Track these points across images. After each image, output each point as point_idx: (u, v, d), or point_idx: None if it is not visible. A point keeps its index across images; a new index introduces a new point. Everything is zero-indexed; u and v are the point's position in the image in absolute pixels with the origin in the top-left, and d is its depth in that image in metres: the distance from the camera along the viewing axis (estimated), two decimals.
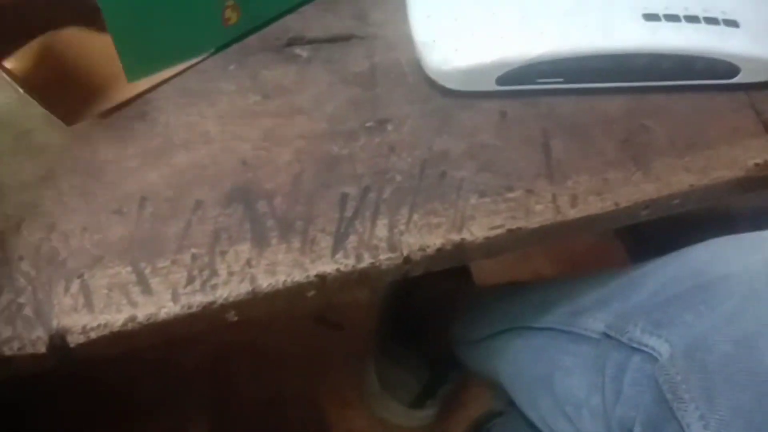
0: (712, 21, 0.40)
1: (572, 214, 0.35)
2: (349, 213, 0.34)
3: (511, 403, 0.63)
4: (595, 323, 0.45)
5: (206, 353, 0.85)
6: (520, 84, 0.39)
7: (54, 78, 0.38)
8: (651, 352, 0.38)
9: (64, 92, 0.37)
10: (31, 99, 0.36)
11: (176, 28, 0.37)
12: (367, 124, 0.38)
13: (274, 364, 0.86)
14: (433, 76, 0.39)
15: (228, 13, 0.38)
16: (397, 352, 0.82)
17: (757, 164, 0.38)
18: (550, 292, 0.53)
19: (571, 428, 0.47)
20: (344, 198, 0.35)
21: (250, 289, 0.31)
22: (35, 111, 0.37)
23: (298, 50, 0.40)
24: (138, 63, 0.37)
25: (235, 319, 0.32)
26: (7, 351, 0.29)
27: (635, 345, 0.40)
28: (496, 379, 0.59)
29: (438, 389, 0.80)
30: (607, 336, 0.43)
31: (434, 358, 0.79)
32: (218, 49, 0.40)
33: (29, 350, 0.29)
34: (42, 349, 0.30)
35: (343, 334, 0.89)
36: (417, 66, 0.39)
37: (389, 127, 0.38)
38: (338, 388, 0.86)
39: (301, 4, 0.42)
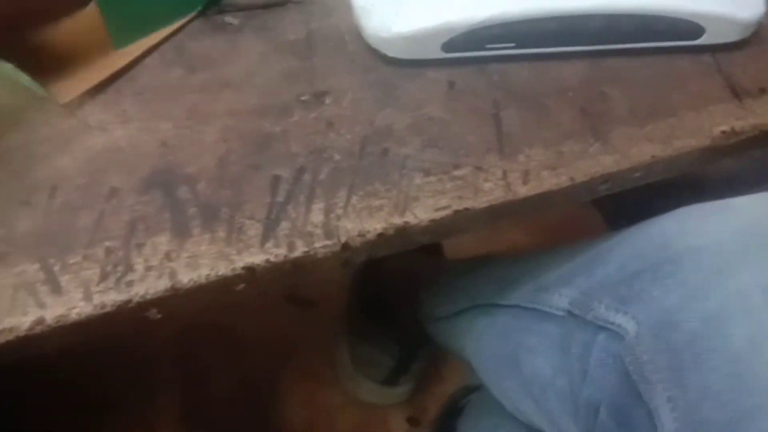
0: None
1: (524, 191, 0.32)
2: (281, 197, 0.31)
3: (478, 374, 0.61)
4: (560, 300, 0.42)
5: (173, 336, 0.83)
6: (468, 50, 0.36)
7: (46, 54, 0.35)
8: (617, 329, 0.36)
9: (57, 68, 0.34)
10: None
11: None
12: (303, 98, 0.35)
13: (244, 344, 0.84)
14: (374, 44, 0.36)
15: None
16: (368, 329, 0.80)
17: (723, 132, 0.35)
18: (516, 267, 0.51)
19: (537, 409, 0.45)
20: (276, 181, 0.32)
21: (169, 285, 0.29)
22: None
23: (229, 18, 0.37)
24: (124, 29, 0.34)
25: (159, 317, 0.30)
26: None
27: (600, 323, 0.38)
28: (463, 357, 0.57)
29: (410, 366, 0.78)
30: (571, 314, 0.41)
31: (405, 334, 0.77)
32: (204, 8, 0.37)
33: None
34: None
35: (315, 312, 0.87)
36: (357, 33, 0.36)
37: (327, 101, 0.35)
38: (312, 367, 0.84)
39: None
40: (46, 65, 0.34)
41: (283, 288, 0.86)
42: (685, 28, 0.37)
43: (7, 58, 0.32)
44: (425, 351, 0.79)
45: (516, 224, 0.95)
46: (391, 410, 0.82)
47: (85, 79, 0.33)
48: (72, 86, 0.33)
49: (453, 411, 0.78)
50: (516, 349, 0.46)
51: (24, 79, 0.32)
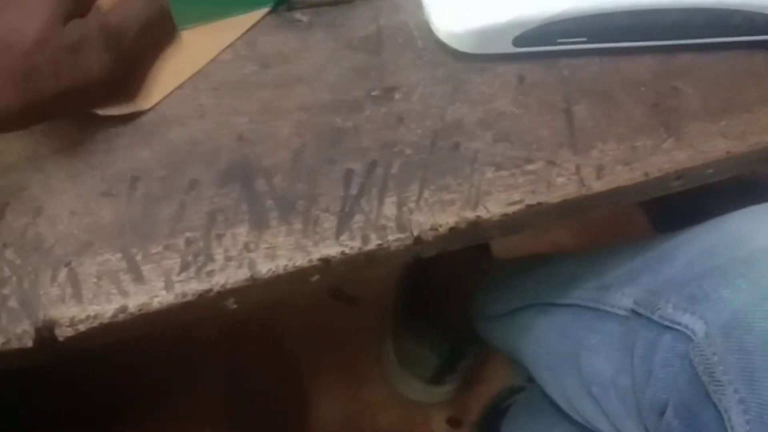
0: None
1: (598, 186, 0.32)
2: (354, 190, 0.32)
3: (531, 379, 0.61)
4: (623, 299, 0.42)
5: (218, 331, 0.84)
6: (539, 45, 0.35)
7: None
8: (684, 330, 0.36)
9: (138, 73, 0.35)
10: None
11: None
12: (373, 93, 0.35)
13: (288, 340, 0.85)
14: (444, 39, 0.36)
15: None
16: (414, 327, 0.80)
17: None
18: (574, 265, 0.51)
19: (596, 409, 0.45)
20: (349, 174, 0.32)
21: (248, 275, 0.29)
22: None
23: (298, 15, 0.38)
24: (188, 7, 0.35)
25: (235, 306, 0.30)
26: None
27: (667, 323, 0.37)
28: (517, 357, 0.57)
29: (457, 364, 0.78)
30: (635, 313, 0.40)
31: (453, 332, 0.77)
32: (276, 5, 0.37)
33: (15, 345, 0.28)
34: (29, 343, 0.28)
35: (359, 308, 0.87)
36: (426, 28, 0.36)
37: (397, 96, 0.35)
38: (354, 363, 0.85)
39: None
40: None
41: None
42: (760, 22, 0.36)
43: None
44: (473, 349, 0.78)
45: (560, 223, 0.94)
46: (432, 409, 0.82)
47: (164, 83, 0.34)
48: (153, 92, 0.34)
49: (497, 412, 0.78)
50: (576, 348, 0.46)
51: None
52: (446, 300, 0.77)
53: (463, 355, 0.78)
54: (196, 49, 0.35)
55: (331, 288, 0.87)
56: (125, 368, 0.76)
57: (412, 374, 0.79)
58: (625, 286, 0.42)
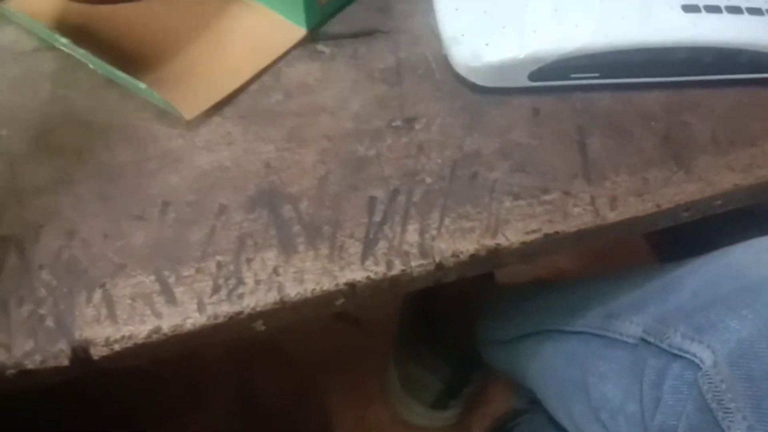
0: (755, 11, 0.38)
1: (612, 217, 0.33)
2: (378, 217, 0.33)
3: (534, 401, 0.61)
4: (632, 327, 0.43)
5: (225, 353, 0.84)
6: (553, 80, 0.37)
7: (172, 70, 0.37)
8: (692, 358, 0.37)
9: (181, 84, 0.37)
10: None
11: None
12: (394, 123, 0.36)
13: (294, 361, 0.85)
14: (462, 73, 0.37)
15: None
16: (418, 351, 0.80)
17: None
18: (582, 293, 0.52)
19: None
20: (372, 201, 0.33)
21: (278, 298, 0.30)
22: (55, 110, 0.36)
23: (320, 46, 0.39)
24: None
25: (263, 328, 0.31)
26: (29, 364, 0.28)
27: (675, 351, 0.38)
28: (524, 382, 0.58)
29: (461, 390, 0.79)
30: (644, 341, 0.41)
31: (457, 357, 0.78)
32: (312, 29, 0.39)
33: (52, 363, 0.28)
34: (65, 362, 0.29)
35: (363, 330, 0.87)
36: (445, 61, 0.38)
37: (417, 126, 0.36)
38: (360, 385, 0.85)
39: None
40: (169, 83, 0.36)
41: None
42: (765, 60, 0.38)
43: (138, 77, 0.34)
44: (477, 375, 0.79)
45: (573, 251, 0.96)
46: (437, 431, 0.82)
47: (205, 96, 0.36)
48: (195, 104, 0.35)
49: None
50: (584, 375, 0.47)
51: (154, 97, 0.35)
52: (450, 325, 0.78)
53: (467, 380, 0.79)
54: (233, 68, 0.37)
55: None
56: (135, 389, 0.77)
57: (416, 399, 0.80)
58: (633, 315, 0.43)
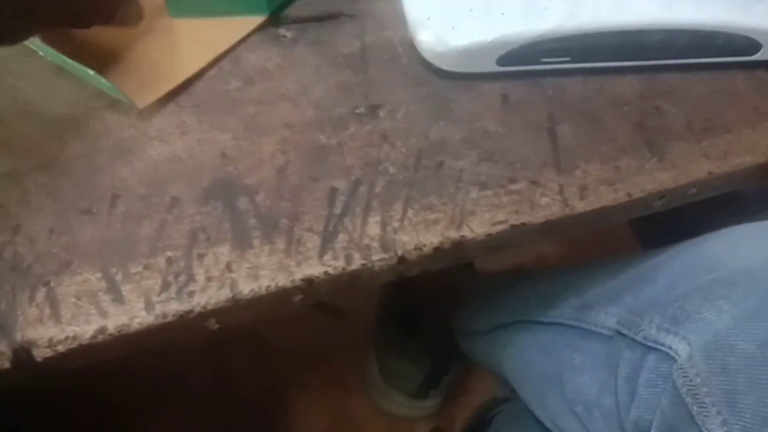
0: None
1: (581, 206, 0.32)
2: (338, 209, 0.31)
3: (515, 390, 0.61)
4: (606, 318, 0.42)
5: (203, 344, 0.83)
6: (523, 64, 0.36)
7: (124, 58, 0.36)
8: (668, 351, 0.36)
9: (134, 72, 0.35)
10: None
11: None
12: (358, 111, 0.35)
13: (273, 352, 0.84)
14: (429, 58, 0.36)
15: None
16: (397, 341, 0.79)
17: None
18: (557, 282, 0.51)
19: (580, 428, 0.45)
20: (333, 193, 0.32)
21: (230, 295, 0.29)
22: (2, 100, 0.34)
23: (282, 30, 0.37)
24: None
25: (216, 327, 0.30)
26: None
27: (650, 343, 0.37)
28: (501, 373, 0.57)
29: (441, 379, 0.78)
30: (619, 333, 0.40)
31: (436, 347, 0.77)
32: (274, 13, 0.37)
33: None
34: (6, 364, 0.27)
35: (344, 321, 0.87)
36: (411, 46, 0.36)
37: (381, 114, 0.35)
38: (340, 376, 0.84)
39: None
40: (120, 71, 0.34)
41: None
42: (742, 43, 0.37)
43: (89, 65, 0.33)
44: (456, 364, 0.78)
45: (543, 241, 0.95)
46: (417, 421, 0.82)
47: (159, 84, 0.34)
48: (148, 92, 0.34)
49: (481, 422, 0.77)
50: (559, 367, 0.46)
51: (104, 84, 0.33)
52: (429, 315, 0.77)
53: (447, 370, 0.78)
54: (189, 54, 0.35)
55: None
56: (110, 385, 0.75)
57: (396, 389, 0.79)
58: (607, 306, 0.42)
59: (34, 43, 0.35)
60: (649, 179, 0.33)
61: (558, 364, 0.46)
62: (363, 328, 0.84)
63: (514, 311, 0.53)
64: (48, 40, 0.35)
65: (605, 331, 0.42)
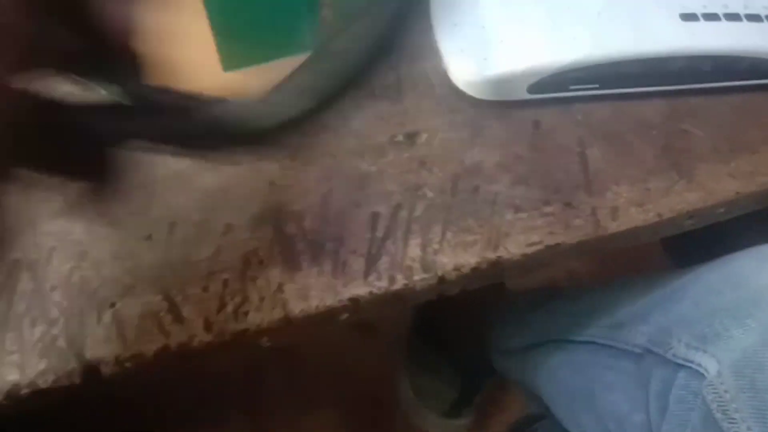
0: (754, 18, 0.38)
1: (613, 227, 0.34)
2: (380, 233, 0.33)
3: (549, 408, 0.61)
4: (637, 337, 0.43)
5: (239, 358, 0.85)
6: (552, 92, 0.37)
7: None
8: (697, 368, 0.37)
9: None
10: None
11: (275, 20, 0.36)
12: (396, 139, 0.37)
13: (307, 368, 0.86)
14: (463, 87, 0.38)
15: (325, 11, 0.38)
16: (430, 359, 0.81)
17: None
18: (588, 302, 0.52)
19: None
20: (375, 217, 0.34)
21: (282, 315, 0.31)
22: None
23: None
24: (235, 52, 0.36)
25: (268, 345, 0.32)
26: (42, 383, 0.29)
27: (680, 361, 0.38)
28: (535, 391, 0.58)
29: (473, 397, 0.79)
30: (649, 351, 0.41)
31: (468, 366, 0.78)
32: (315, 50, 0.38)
33: (64, 382, 0.29)
34: (77, 380, 0.29)
35: (377, 338, 0.88)
36: (445, 76, 0.38)
37: (419, 141, 0.37)
38: (373, 393, 0.86)
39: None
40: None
41: None
42: (764, 67, 0.38)
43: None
44: (489, 382, 0.79)
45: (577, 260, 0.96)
46: None
47: None
48: None
49: None
50: (592, 385, 0.47)
51: None
52: (460, 333, 0.78)
53: (479, 388, 0.79)
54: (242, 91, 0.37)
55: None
56: (149, 396, 0.78)
57: (428, 408, 0.80)
58: (638, 324, 0.44)
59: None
60: (678, 200, 0.34)
61: (590, 382, 0.47)
62: (395, 346, 0.85)
63: (548, 330, 0.54)
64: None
65: (636, 350, 0.43)
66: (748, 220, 0.43)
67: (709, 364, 0.36)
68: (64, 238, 0.33)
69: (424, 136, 0.37)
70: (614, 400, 0.44)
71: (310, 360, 0.86)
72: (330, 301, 0.31)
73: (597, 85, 0.38)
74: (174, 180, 0.35)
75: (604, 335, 0.46)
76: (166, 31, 0.40)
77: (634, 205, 0.34)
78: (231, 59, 0.37)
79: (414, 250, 0.33)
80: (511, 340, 0.62)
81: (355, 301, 0.31)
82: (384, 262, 0.32)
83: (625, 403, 0.43)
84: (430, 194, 0.35)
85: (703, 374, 0.36)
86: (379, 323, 0.88)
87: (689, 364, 0.37)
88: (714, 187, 0.35)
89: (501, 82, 0.37)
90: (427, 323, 0.82)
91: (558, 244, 0.33)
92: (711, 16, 0.38)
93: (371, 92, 0.39)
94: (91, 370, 0.29)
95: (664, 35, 0.37)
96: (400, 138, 0.37)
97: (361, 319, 0.83)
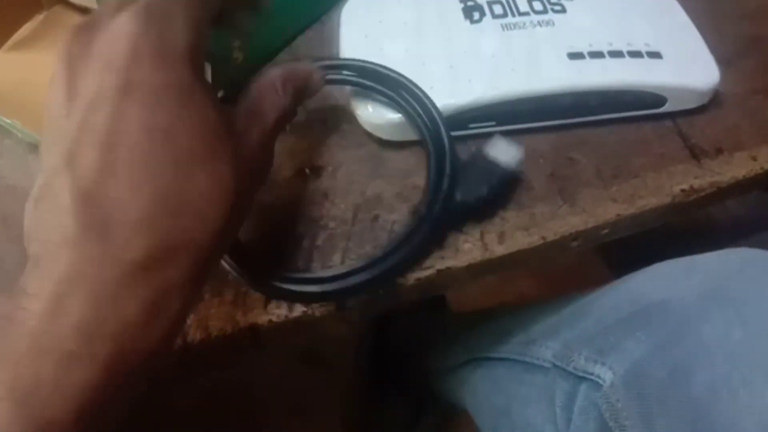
0: (636, 54, 0.41)
1: (500, 250, 0.36)
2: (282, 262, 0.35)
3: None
4: (545, 352, 0.45)
5: (194, 393, 0.85)
6: (452, 130, 0.39)
7: None
8: (596, 379, 0.39)
9: None
10: None
11: None
12: (303, 172, 0.39)
13: (262, 402, 0.86)
14: (368, 129, 0.40)
15: (236, 53, 0.40)
16: (375, 385, 0.82)
17: (683, 190, 0.39)
18: (509, 320, 0.54)
19: None
20: (278, 247, 0.36)
21: (180, 344, 0.32)
22: None
23: None
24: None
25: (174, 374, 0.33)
26: None
27: (581, 373, 0.40)
28: (465, 409, 0.59)
29: (420, 421, 0.80)
30: (555, 365, 0.43)
31: (414, 390, 0.79)
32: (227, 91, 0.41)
33: None
34: None
35: (327, 371, 0.89)
36: (351, 114, 0.41)
37: (324, 174, 0.39)
38: (327, 425, 0.86)
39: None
40: None
41: (296, 348, 0.89)
42: (649, 99, 0.41)
43: None
44: (435, 406, 0.81)
45: (522, 274, 0.98)
46: None
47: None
48: None
49: None
50: (509, 400, 0.49)
51: None
52: (405, 357, 0.80)
53: (425, 411, 0.81)
54: None
55: (301, 352, 0.89)
56: None
57: None
58: (547, 340, 0.46)
59: (13, 126, 0.39)
60: (562, 223, 0.37)
61: (507, 397, 0.49)
62: (345, 377, 0.86)
63: (472, 348, 0.56)
64: (26, 123, 0.39)
65: (545, 364, 0.45)
66: (680, 235, 0.45)
67: (606, 375, 0.38)
68: None
69: (329, 170, 0.39)
70: (528, 414, 0.46)
71: (263, 394, 0.86)
72: (229, 329, 0.33)
73: (494, 123, 0.40)
74: None
75: (518, 351, 0.48)
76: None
77: (520, 229, 0.37)
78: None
79: None
80: (444, 360, 0.64)
81: (254, 329, 0.33)
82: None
83: (538, 417, 0.45)
84: (331, 224, 0.37)
85: (601, 385, 0.38)
86: (331, 357, 0.89)
87: (589, 377, 0.40)
88: (595, 210, 0.38)
89: (402, 124, 0.39)
90: (374, 348, 0.84)
91: (449, 268, 0.35)
92: (596, 54, 0.41)
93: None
94: None
95: (552, 74, 0.40)
96: (307, 171, 0.39)
97: (308, 350, 0.85)
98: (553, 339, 0.45)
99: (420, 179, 0.39)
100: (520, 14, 0.42)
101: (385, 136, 0.40)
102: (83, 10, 0.45)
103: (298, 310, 0.34)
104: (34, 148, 0.39)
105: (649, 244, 0.54)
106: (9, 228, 0.36)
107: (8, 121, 0.39)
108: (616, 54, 0.41)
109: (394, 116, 0.39)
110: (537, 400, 0.45)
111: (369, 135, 0.40)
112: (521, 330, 0.50)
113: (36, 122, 0.39)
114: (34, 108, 0.41)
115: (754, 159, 0.40)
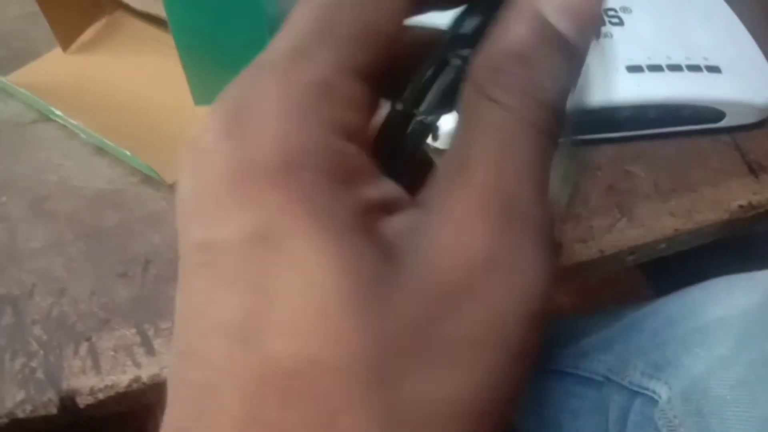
0: (695, 68, 0.41)
1: (558, 262, 0.36)
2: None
3: None
4: (599, 365, 0.45)
5: None
6: None
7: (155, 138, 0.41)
8: (651, 395, 0.39)
9: (163, 151, 0.39)
10: None
11: (240, 54, 0.38)
12: None
13: None
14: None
15: None
16: None
17: (741, 206, 0.38)
18: (557, 332, 0.54)
19: None
20: None
21: None
22: (50, 177, 0.40)
23: None
24: (206, 87, 0.40)
25: None
26: (20, 413, 0.31)
27: (635, 388, 0.40)
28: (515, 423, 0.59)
29: None
30: (609, 379, 0.43)
31: None
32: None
33: (41, 412, 0.31)
34: (53, 410, 0.31)
35: None
36: None
37: None
38: None
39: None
40: (152, 150, 0.39)
41: None
42: (707, 113, 0.41)
43: (125, 146, 0.38)
44: None
45: (561, 286, 0.98)
46: None
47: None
48: (176, 168, 0.38)
49: None
50: (557, 412, 0.49)
51: (139, 163, 0.38)
52: None
53: None
54: None
55: None
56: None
57: None
58: (600, 354, 0.45)
59: (76, 126, 0.40)
60: (619, 237, 0.37)
61: (556, 409, 0.48)
62: None
63: None
64: (89, 121, 0.40)
65: (598, 377, 0.45)
66: (722, 252, 0.45)
67: (661, 391, 0.38)
68: (45, 276, 0.35)
69: None
70: (578, 427, 0.46)
71: None
72: None
73: None
74: (151, 220, 0.38)
75: (569, 363, 0.48)
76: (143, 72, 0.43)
77: (578, 241, 0.37)
78: (203, 95, 0.40)
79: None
80: None
81: None
82: None
83: (589, 430, 0.45)
84: None
85: (657, 400, 0.38)
86: None
87: (644, 391, 0.39)
88: (654, 224, 0.37)
89: None
90: None
91: None
92: (655, 68, 0.41)
93: None
94: (67, 400, 0.31)
95: (611, 87, 0.40)
96: None
97: None
98: (606, 353, 0.45)
99: None
100: None
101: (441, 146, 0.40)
102: (144, 16, 0.46)
103: None
104: (99, 150, 0.41)
105: (687, 257, 0.54)
106: (76, 226, 0.37)
107: (73, 122, 0.40)
108: (675, 68, 0.41)
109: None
110: (588, 413, 0.45)
111: None
112: (573, 342, 0.50)
113: (98, 124, 0.40)
114: (96, 110, 0.42)
115: None
